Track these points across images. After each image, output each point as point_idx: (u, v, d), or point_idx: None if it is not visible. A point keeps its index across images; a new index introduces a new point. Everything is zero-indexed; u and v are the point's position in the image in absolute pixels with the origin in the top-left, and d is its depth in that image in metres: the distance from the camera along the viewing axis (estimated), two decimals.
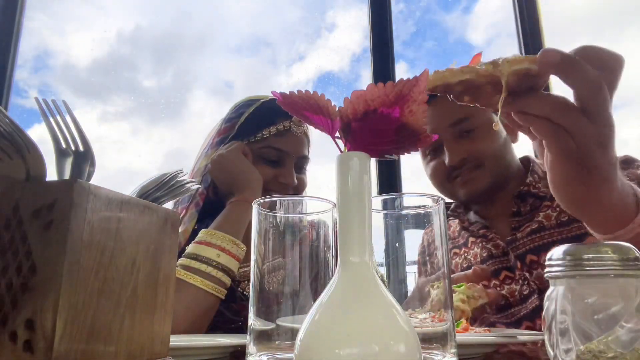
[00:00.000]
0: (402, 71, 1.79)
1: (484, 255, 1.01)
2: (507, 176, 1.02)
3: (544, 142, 0.51)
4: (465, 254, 1.06)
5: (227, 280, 0.84)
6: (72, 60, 1.98)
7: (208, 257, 0.82)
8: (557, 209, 0.95)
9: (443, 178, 1.03)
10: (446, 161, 1.00)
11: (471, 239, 1.07)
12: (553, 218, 0.95)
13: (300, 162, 1.06)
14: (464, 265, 1.05)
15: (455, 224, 1.13)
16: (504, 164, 1.01)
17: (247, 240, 0.91)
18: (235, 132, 1.01)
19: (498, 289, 0.96)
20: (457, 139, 0.99)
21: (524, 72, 0.46)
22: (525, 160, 1.08)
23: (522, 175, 1.04)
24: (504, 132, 1.02)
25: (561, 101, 0.48)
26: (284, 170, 1.02)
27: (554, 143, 0.49)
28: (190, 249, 0.84)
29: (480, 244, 1.03)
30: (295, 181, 1.03)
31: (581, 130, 0.47)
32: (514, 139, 1.02)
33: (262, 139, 1.00)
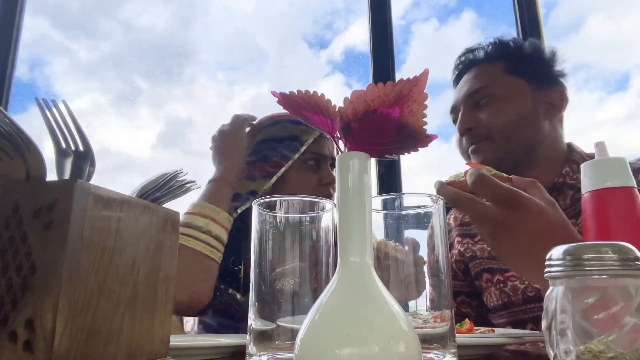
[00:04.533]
0: (410, 67, 1.78)
1: None
2: (530, 159, 0.94)
3: None
4: None
5: (218, 245, 0.92)
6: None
7: (199, 225, 0.92)
8: None
9: (461, 147, 1.03)
10: (457, 126, 1.00)
11: None
12: None
13: (333, 162, 1.13)
14: (493, 254, 0.96)
15: None
16: (519, 141, 0.94)
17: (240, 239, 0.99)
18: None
19: (528, 287, 0.90)
20: (470, 109, 0.99)
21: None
22: (566, 147, 1.00)
23: (563, 164, 0.95)
24: (524, 109, 0.96)
25: (480, 214, 0.61)
26: (323, 173, 1.08)
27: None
28: (183, 218, 0.94)
29: None
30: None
31: (493, 241, 0.61)
32: (556, 112, 0.97)
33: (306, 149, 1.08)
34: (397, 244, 0.47)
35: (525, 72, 0.99)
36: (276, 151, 1.07)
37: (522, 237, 0.58)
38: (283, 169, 1.05)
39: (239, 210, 0.99)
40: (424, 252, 0.45)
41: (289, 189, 1.05)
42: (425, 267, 0.45)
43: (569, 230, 0.58)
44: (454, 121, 1.05)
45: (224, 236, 0.94)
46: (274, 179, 1.03)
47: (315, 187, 1.07)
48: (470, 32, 2.03)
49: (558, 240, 0.57)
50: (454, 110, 1.05)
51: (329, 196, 1.07)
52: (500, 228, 0.59)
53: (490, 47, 1.04)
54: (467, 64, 1.06)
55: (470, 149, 0.99)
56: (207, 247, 0.90)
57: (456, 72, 1.09)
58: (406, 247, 0.45)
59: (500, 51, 1.03)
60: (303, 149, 1.07)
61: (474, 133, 0.97)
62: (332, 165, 1.12)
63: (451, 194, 0.61)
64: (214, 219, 0.93)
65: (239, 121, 1.08)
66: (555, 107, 0.99)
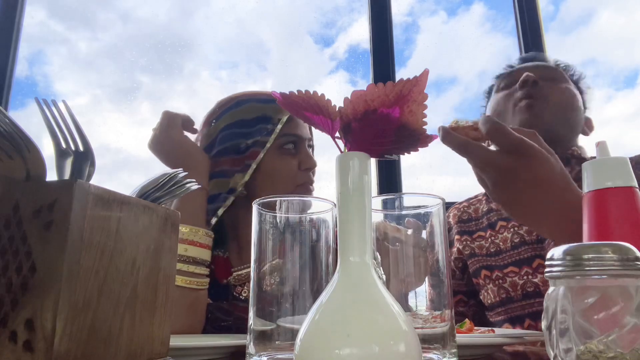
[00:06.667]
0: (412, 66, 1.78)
1: (516, 240, 0.97)
2: (560, 140, 0.99)
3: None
4: (493, 238, 1.02)
5: (202, 271, 0.83)
6: None
7: (179, 254, 0.80)
8: None
9: (508, 105, 1.03)
10: (521, 78, 1.00)
11: (501, 223, 1.02)
12: None
13: (310, 144, 1.02)
14: (492, 250, 1.01)
15: (481, 204, 1.09)
16: (564, 121, 1.01)
17: (239, 241, 0.93)
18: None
19: (530, 277, 0.92)
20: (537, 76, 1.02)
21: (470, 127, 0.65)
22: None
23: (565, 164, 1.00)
24: (579, 104, 1.04)
25: (488, 161, 0.62)
26: (302, 156, 0.97)
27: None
28: None
29: (511, 229, 0.99)
30: (316, 162, 1.00)
31: (496, 188, 0.64)
32: (587, 130, 1.06)
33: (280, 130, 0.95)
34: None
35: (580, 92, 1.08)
36: (248, 137, 0.93)
37: (526, 183, 0.61)
38: (259, 157, 0.91)
39: (219, 213, 0.88)
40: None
41: (267, 178, 0.93)
42: (427, 252, 0.45)
43: (566, 180, 0.63)
44: (506, 85, 1.05)
45: (207, 256, 0.85)
46: (251, 170, 0.91)
47: (295, 174, 0.95)
48: (479, 25, 2.02)
49: (557, 189, 0.62)
50: (512, 76, 1.06)
51: (310, 182, 0.97)
52: (505, 174, 0.62)
53: (558, 64, 1.10)
54: (536, 63, 1.09)
55: (525, 102, 0.99)
56: (193, 279, 0.81)
57: (525, 57, 1.14)
58: (409, 231, 0.45)
59: (566, 73, 1.08)
60: (278, 129, 0.93)
61: (537, 87, 0.99)
62: (310, 148, 1.01)
63: (459, 140, 0.63)
64: (192, 241, 0.83)
65: (169, 116, 0.93)
66: (589, 129, 1.07)
